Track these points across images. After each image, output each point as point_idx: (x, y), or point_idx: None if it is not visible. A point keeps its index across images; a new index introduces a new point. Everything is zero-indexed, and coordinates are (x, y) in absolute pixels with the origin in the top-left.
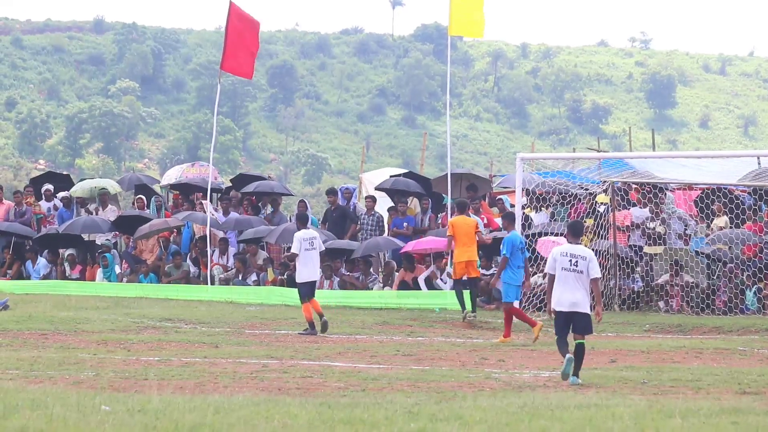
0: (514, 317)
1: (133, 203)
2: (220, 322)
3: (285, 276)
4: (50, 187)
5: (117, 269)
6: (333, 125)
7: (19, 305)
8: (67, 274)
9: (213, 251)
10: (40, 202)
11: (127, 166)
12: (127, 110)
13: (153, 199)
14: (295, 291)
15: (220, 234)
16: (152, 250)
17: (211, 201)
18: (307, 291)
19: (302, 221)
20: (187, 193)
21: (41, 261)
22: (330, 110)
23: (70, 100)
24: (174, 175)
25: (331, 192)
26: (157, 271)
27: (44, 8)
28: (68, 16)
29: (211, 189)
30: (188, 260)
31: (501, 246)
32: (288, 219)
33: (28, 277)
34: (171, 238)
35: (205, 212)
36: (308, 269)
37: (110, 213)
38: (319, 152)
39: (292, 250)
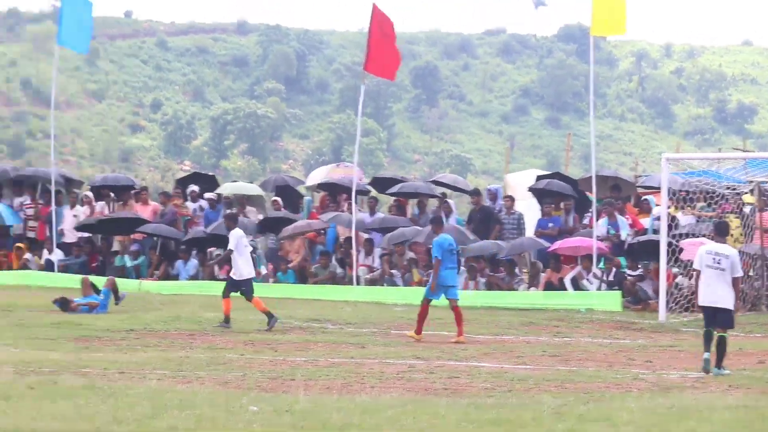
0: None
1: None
2: (367, 322)
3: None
4: (196, 188)
5: (263, 270)
6: (477, 126)
7: (166, 306)
8: (215, 275)
9: (359, 252)
10: (186, 203)
11: (272, 167)
12: (271, 111)
13: (305, 200)
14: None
15: (366, 235)
16: (298, 251)
17: (356, 202)
18: (234, 288)
19: (233, 221)
20: (335, 193)
21: (192, 262)
22: (474, 111)
23: (214, 102)
24: (319, 176)
25: (475, 193)
26: (302, 272)
27: (188, 10)
28: (212, 17)
29: (356, 190)
30: (334, 261)
31: (432, 249)
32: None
33: (176, 278)
34: (316, 239)
35: (350, 213)
36: (248, 267)
37: (251, 215)
38: (464, 153)
39: (229, 247)
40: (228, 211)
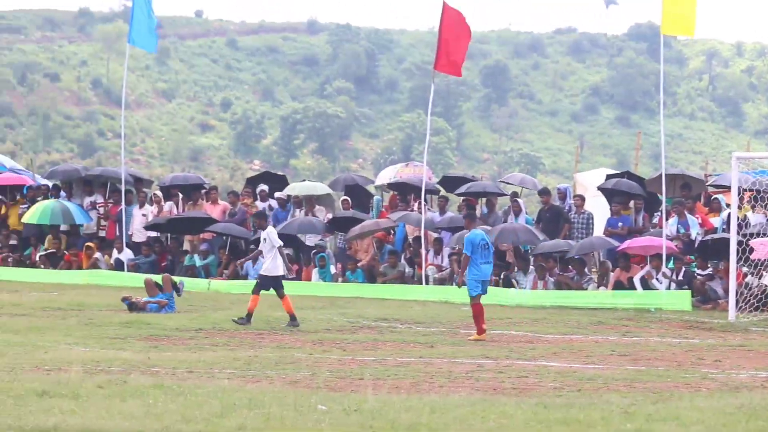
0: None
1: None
2: (435, 321)
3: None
4: (265, 187)
5: (332, 269)
6: (547, 125)
7: (235, 305)
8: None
9: (428, 251)
10: (255, 203)
11: (341, 166)
12: (341, 111)
13: (374, 199)
14: (507, 291)
15: (435, 234)
16: (367, 250)
17: (425, 201)
18: (264, 285)
19: (263, 219)
20: (404, 193)
21: (260, 261)
22: (543, 110)
23: (284, 101)
24: (388, 175)
25: (545, 192)
26: (371, 271)
27: (259, 10)
28: (282, 17)
29: (426, 189)
30: (403, 260)
31: (463, 245)
32: (503, 219)
33: (245, 277)
34: (385, 239)
35: (420, 212)
36: (265, 264)
37: (320, 214)
38: (533, 152)
39: (275, 244)
40: (258, 210)
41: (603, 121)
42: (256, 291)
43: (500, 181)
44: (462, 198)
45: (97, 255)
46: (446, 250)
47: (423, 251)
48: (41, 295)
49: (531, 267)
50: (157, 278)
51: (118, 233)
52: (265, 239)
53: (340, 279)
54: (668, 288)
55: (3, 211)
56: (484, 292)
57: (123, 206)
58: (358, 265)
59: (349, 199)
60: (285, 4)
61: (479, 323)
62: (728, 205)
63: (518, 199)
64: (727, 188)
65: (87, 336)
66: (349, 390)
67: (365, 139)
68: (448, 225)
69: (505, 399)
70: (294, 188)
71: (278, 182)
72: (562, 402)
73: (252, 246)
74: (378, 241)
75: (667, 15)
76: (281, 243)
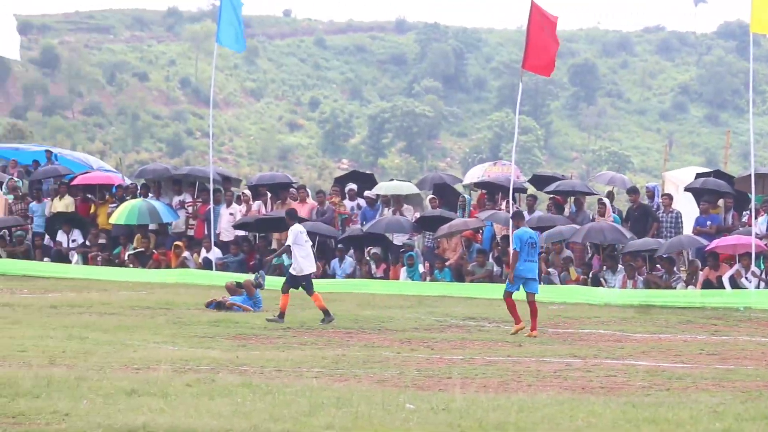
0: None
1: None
2: (523, 320)
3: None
4: (354, 186)
5: (420, 268)
6: (635, 123)
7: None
8: (372, 273)
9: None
10: (344, 202)
11: (429, 165)
12: (428, 109)
13: (460, 198)
14: (596, 290)
15: None
16: (455, 249)
17: (513, 200)
18: (295, 283)
19: (292, 217)
20: (492, 192)
21: (347, 260)
22: (632, 108)
23: (372, 100)
24: (476, 173)
25: (633, 191)
26: (459, 270)
27: (347, 9)
28: (370, 16)
29: (514, 188)
30: (491, 259)
31: (511, 242)
32: (591, 218)
33: (332, 276)
34: (473, 237)
35: (508, 211)
36: (297, 263)
37: (407, 213)
38: (621, 150)
39: (287, 242)
40: (288, 207)
41: (692, 120)
42: (285, 290)
43: (590, 181)
44: (549, 196)
45: (186, 254)
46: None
47: (511, 250)
48: (130, 294)
49: (620, 266)
50: (240, 280)
51: (206, 232)
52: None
53: (428, 278)
54: (757, 287)
55: (92, 210)
56: (534, 290)
57: (211, 205)
58: (446, 264)
59: (436, 198)
60: (373, 3)
61: (515, 315)
62: None
63: (603, 199)
64: None
65: (175, 335)
66: (437, 389)
67: (453, 138)
68: (537, 224)
69: (594, 398)
70: (381, 187)
71: (366, 181)
72: (650, 401)
73: (340, 245)
74: (466, 240)
75: (756, 13)
76: (291, 243)
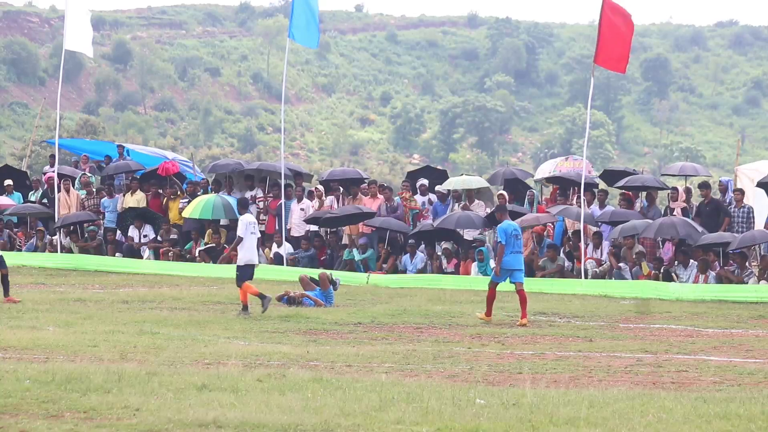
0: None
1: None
2: (594, 315)
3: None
4: (425, 181)
5: (491, 263)
6: (707, 118)
7: (394, 299)
8: (443, 268)
9: (587, 245)
10: (415, 197)
11: (500, 160)
12: (500, 104)
13: (528, 193)
14: (667, 285)
15: (594, 228)
16: (526, 244)
17: (584, 195)
18: (248, 274)
19: (244, 206)
20: (564, 187)
21: (418, 255)
22: (704, 103)
23: (443, 95)
24: (548, 168)
25: (704, 185)
26: (530, 265)
27: (419, 4)
28: (442, 11)
29: (585, 183)
30: (562, 254)
31: (497, 235)
32: (661, 213)
33: (403, 271)
34: (544, 233)
35: (579, 206)
36: (250, 253)
37: (478, 209)
38: (693, 145)
39: (238, 233)
40: (240, 198)
41: (764, 115)
42: (239, 283)
43: (662, 174)
44: (620, 192)
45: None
46: (605, 244)
47: (582, 245)
48: (201, 289)
49: (691, 261)
50: (314, 274)
51: (277, 227)
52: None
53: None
54: None
55: (164, 203)
56: (520, 279)
57: (282, 200)
58: None
59: (505, 193)
60: None
61: (490, 306)
62: None
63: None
64: None
65: (246, 330)
66: (508, 384)
67: (525, 133)
68: (608, 219)
69: (664, 393)
70: (451, 182)
71: (438, 177)
72: (721, 396)
73: (411, 240)
74: (537, 235)
75: None
76: (242, 234)
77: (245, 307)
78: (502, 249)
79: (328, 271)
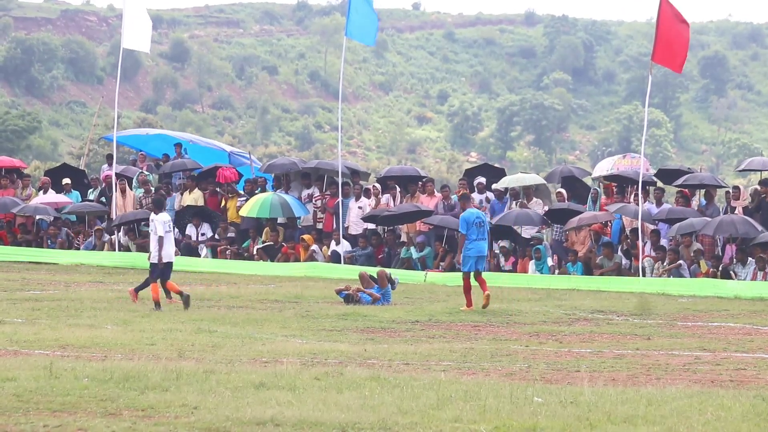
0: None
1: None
2: (652, 314)
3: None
4: (482, 179)
5: (549, 261)
6: (765, 116)
7: (452, 297)
8: (500, 266)
9: (644, 243)
10: (473, 195)
11: (558, 158)
12: (557, 102)
13: (592, 191)
14: (725, 283)
15: (652, 226)
16: (583, 242)
17: (642, 193)
18: (162, 272)
19: (159, 206)
20: (622, 184)
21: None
22: (762, 101)
23: (501, 93)
24: (606, 166)
25: (765, 183)
26: (587, 263)
27: (476, 2)
28: (499, 9)
29: (643, 181)
30: (619, 252)
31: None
32: (720, 211)
33: (461, 270)
34: (602, 230)
35: (637, 204)
36: (167, 251)
37: (535, 206)
38: (751, 143)
39: (158, 233)
40: (155, 196)
41: None
42: (152, 280)
43: (740, 170)
44: (677, 190)
45: (314, 247)
46: (663, 242)
47: (640, 243)
48: (259, 287)
49: (750, 259)
50: (373, 272)
51: (335, 226)
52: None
53: (556, 271)
54: None
55: (222, 203)
56: (480, 268)
57: (340, 199)
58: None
59: (564, 191)
60: None
61: (468, 297)
62: None
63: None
64: None
65: (304, 328)
66: (566, 382)
67: (582, 131)
68: (665, 216)
69: (723, 391)
70: (506, 180)
71: (496, 174)
72: None
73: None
74: (595, 233)
75: None
76: (162, 233)
77: (157, 304)
78: (462, 239)
79: (387, 270)
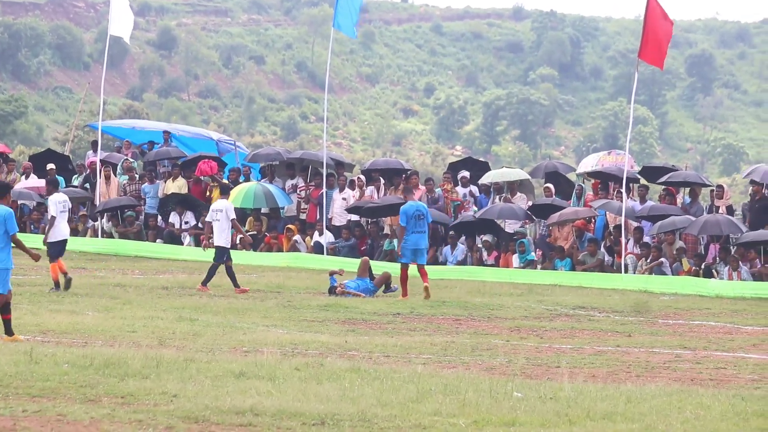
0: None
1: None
2: (634, 311)
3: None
4: (467, 173)
5: (533, 256)
6: (751, 115)
7: (433, 290)
8: (483, 260)
9: (627, 240)
10: (456, 188)
11: (543, 153)
12: (544, 98)
13: (576, 187)
14: (707, 282)
15: (635, 223)
16: (566, 238)
17: (627, 190)
18: (59, 251)
19: (54, 185)
20: (606, 181)
21: (459, 247)
22: (749, 100)
23: (487, 87)
24: (590, 162)
25: (755, 182)
26: (570, 259)
27: None
28: (488, 3)
29: (627, 178)
30: (602, 248)
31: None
32: (704, 209)
33: (443, 263)
34: (585, 227)
35: (620, 201)
36: (60, 230)
37: (520, 201)
38: (737, 142)
39: (51, 213)
40: (49, 177)
41: None
42: (52, 260)
43: (745, 176)
44: (663, 187)
45: (297, 238)
46: (646, 239)
47: (623, 240)
48: (241, 276)
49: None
50: (355, 264)
51: (318, 217)
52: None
53: (539, 266)
54: None
55: (208, 193)
56: (421, 260)
57: (324, 190)
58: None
59: (551, 186)
60: None
61: (404, 286)
62: None
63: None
64: None
65: (285, 318)
66: (546, 378)
67: (568, 127)
68: (648, 213)
69: (703, 390)
70: (489, 175)
71: (480, 169)
72: (760, 394)
73: (452, 232)
74: (577, 230)
75: None
76: (55, 213)
77: (57, 284)
78: (402, 231)
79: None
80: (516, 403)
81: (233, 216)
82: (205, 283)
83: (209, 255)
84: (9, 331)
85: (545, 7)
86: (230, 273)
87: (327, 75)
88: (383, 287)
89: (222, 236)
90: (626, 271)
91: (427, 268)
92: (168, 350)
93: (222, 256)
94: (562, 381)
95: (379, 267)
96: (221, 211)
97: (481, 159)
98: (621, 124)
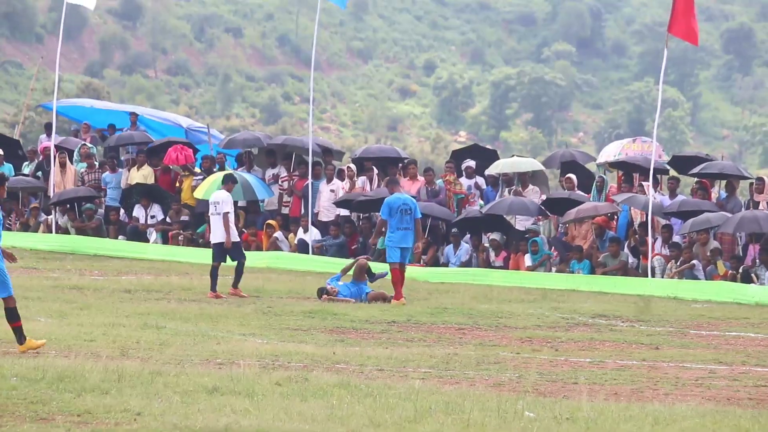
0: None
1: (561, 183)
2: (662, 320)
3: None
4: (472, 163)
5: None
6: None
7: (433, 295)
8: (490, 262)
9: (655, 239)
10: (460, 180)
11: (558, 140)
12: (560, 77)
13: (597, 179)
14: (746, 287)
15: (663, 220)
16: (585, 237)
17: (654, 183)
18: None
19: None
20: (630, 172)
21: (463, 247)
22: None
23: (496, 65)
24: (612, 151)
25: None
26: (589, 261)
27: None
28: None
29: (655, 169)
30: (626, 249)
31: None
32: (743, 205)
33: (445, 264)
34: (606, 224)
35: (646, 195)
36: None
37: (532, 194)
38: None
39: None
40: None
41: None
42: None
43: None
44: (696, 180)
45: (278, 235)
46: (676, 239)
47: (649, 239)
48: None
49: None
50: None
51: (303, 211)
52: None
53: (554, 269)
54: None
55: (178, 184)
56: (404, 260)
57: (309, 180)
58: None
59: (573, 177)
60: None
61: (398, 289)
62: None
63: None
64: None
65: (265, 326)
66: (561, 395)
67: (587, 110)
68: (679, 209)
69: (740, 410)
70: (498, 165)
71: (488, 158)
72: None
73: (455, 229)
74: (597, 228)
75: None
76: None
77: None
78: (381, 224)
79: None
80: (527, 424)
81: (226, 210)
82: (235, 285)
83: (179, 254)
84: (20, 339)
85: None
86: (214, 274)
87: (313, 50)
88: (367, 278)
89: (218, 233)
90: (653, 275)
91: (426, 269)
92: (131, 362)
93: (220, 254)
94: (580, 399)
95: (375, 268)
96: (218, 203)
97: (488, 147)
98: (647, 107)
